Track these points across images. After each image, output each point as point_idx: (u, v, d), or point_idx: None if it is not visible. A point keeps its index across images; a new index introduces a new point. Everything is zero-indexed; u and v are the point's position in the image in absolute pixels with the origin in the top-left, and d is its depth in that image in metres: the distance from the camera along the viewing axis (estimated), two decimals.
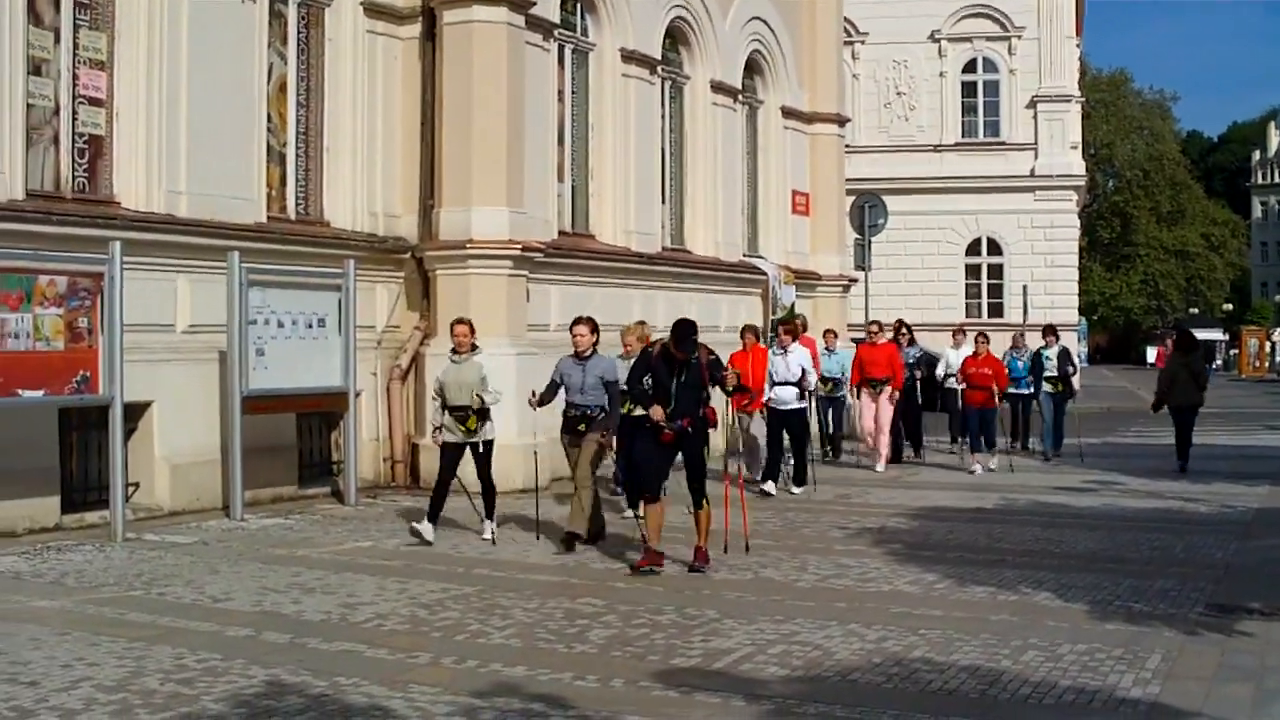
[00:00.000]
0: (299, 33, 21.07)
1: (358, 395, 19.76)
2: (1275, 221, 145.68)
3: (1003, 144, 53.06)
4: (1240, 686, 9.86)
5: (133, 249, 16.84)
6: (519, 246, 21.61)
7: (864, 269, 33.69)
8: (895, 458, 26.20)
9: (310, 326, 18.84)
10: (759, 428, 21.73)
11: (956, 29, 53.30)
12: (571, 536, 15.71)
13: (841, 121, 35.12)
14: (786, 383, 21.19)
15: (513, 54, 21.89)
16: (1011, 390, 26.90)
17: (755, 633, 11.45)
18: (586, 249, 25.20)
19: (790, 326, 22.30)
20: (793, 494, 21.12)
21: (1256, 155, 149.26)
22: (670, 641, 11.14)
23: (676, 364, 14.34)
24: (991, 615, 12.22)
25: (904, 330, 27.52)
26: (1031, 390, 27.65)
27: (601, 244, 25.81)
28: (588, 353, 16.19)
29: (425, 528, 15.90)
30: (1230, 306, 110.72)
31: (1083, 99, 60.49)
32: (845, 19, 39.18)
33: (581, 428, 16.20)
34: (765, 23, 31.50)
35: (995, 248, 53.11)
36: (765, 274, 30.84)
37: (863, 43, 53.04)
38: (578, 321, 16.42)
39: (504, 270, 21.56)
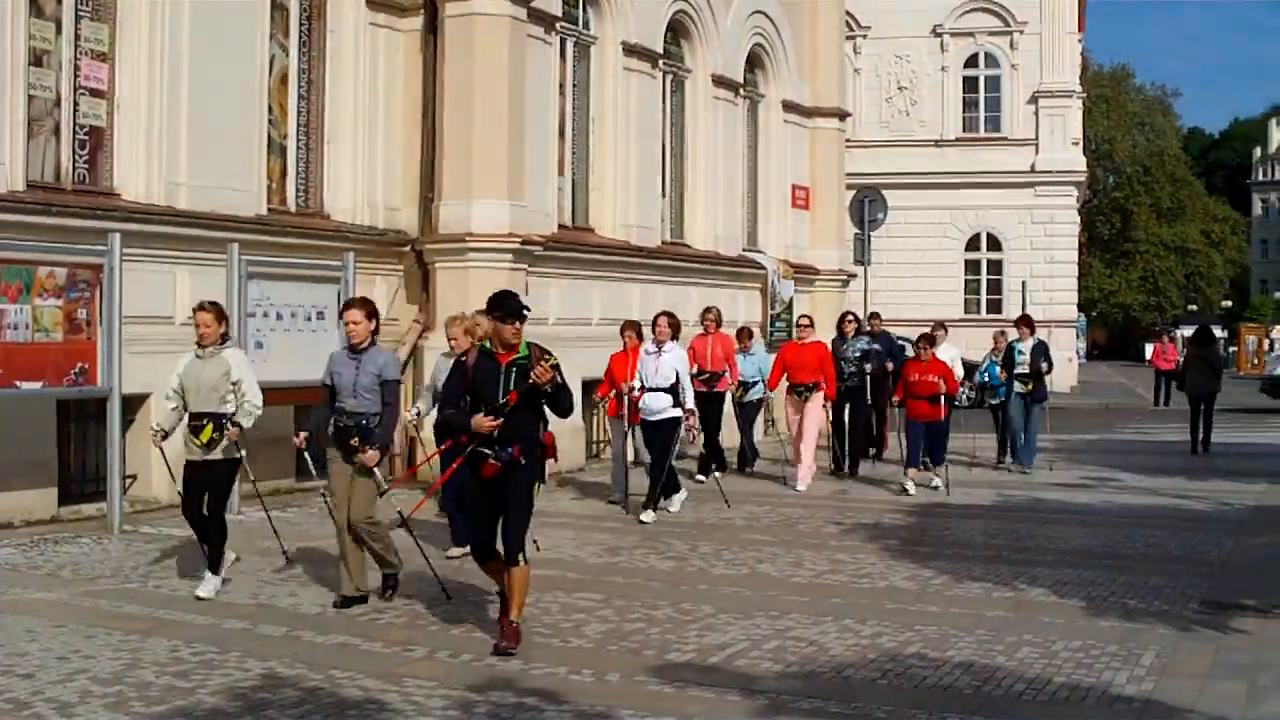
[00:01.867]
0: (301, 25, 21.09)
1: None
2: (1276, 219, 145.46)
3: (1004, 139, 53.07)
4: (1234, 684, 9.89)
5: (132, 240, 16.86)
6: (519, 240, 21.63)
7: (863, 264, 33.65)
8: (853, 469, 23.22)
9: (309, 319, 18.85)
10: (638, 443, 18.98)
11: (959, 24, 53.30)
12: (348, 600, 12.27)
13: (842, 116, 35.12)
14: (658, 388, 18.13)
15: (514, 47, 21.90)
16: (992, 401, 25.13)
17: (750, 628, 11.49)
18: (586, 242, 25.22)
19: (670, 320, 18.57)
20: (643, 523, 17.50)
21: (1257, 152, 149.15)
22: (665, 636, 11.17)
23: (503, 367, 10.74)
24: (987, 611, 12.26)
25: (850, 319, 23.83)
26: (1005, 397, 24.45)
27: (601, 238, 25.83)
28: (364, 344, 12.58)
29: (208, 586, 12.59)
30: (1229, 303, 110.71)
31: (1084, 95, 60.54)
32: (847, 13, 39.18)
33: (354, 442, 12.38)
34: (767, 16, 31.49)
35: (995, 243, 53.14)
36: (764, 268, 30.85)
37: (864, 37, 53.03)
38: (349, 305, 12.99)
39: (504, 263, 21.56)
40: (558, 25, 24.27)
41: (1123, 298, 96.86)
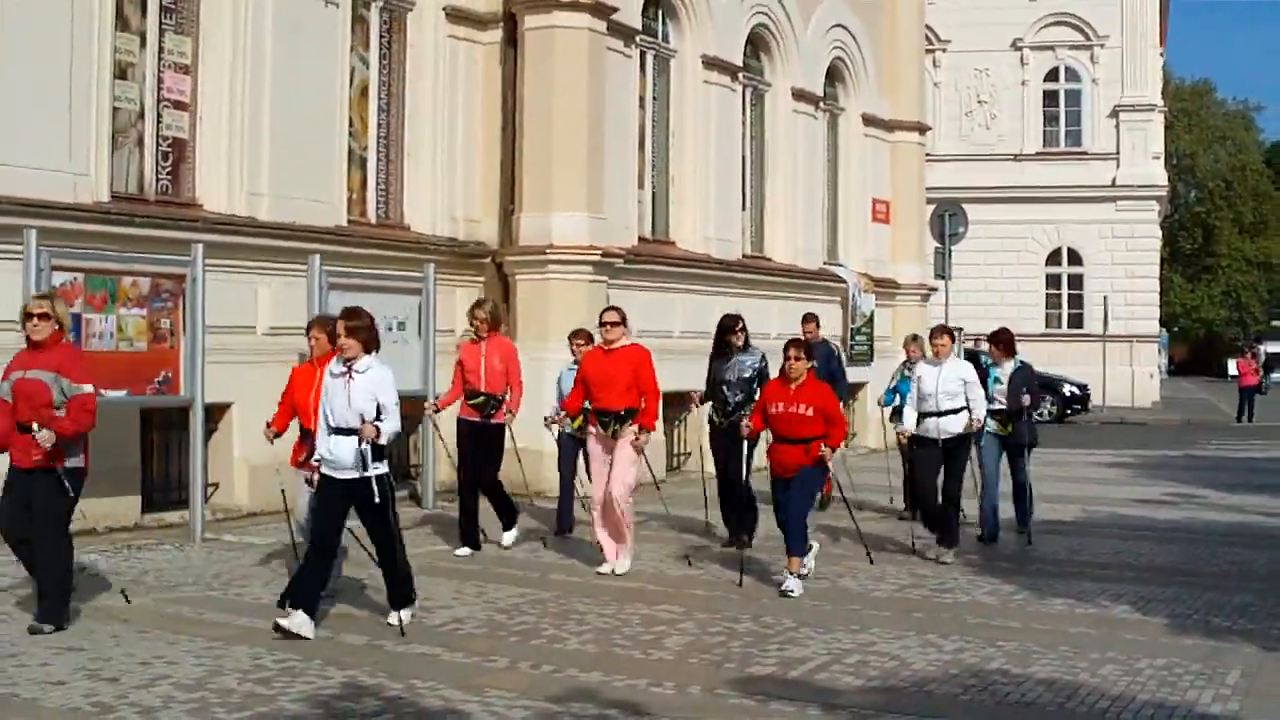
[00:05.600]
0: (381, 37, 21.16)
1: (436, 399, 19.82)
2: None
3: (1084, 153, 52.87)
4: None
5: (214, 251, 16.95)
6: (599, 252, 21.66)
7: (944, 278, 33.55)
8: (737, 540, 16.07)
9: (390, 330, 18.87)
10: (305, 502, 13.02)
11: (1039, 37, 53.12)
12: None
13: (922, 129, 35.04)
14: (347, 429, 11.57)
15: (594, 60, 21.95)
16: (901, 432, 16.91)
17: (831, 642, 11.44)
18: (666, 255, 25.21)
19: (352, 323, 11.86)
20: (394, 626, 11.65)
21: None
22: (747, 649, 11.14)
23: None
24: (1069, 628, 12.17)
25: (739, 328, 16.87)
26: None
27: (681, 250, 25.81)
28: None
29: None
30: None
31: (1165, 109, 60.13)
32: (927, 27, 39.09)
33: None
34: (847, 30, 31.43)
35: (1075, 258, 52.92)
36: (845, 282, 30.77)
37: (944, 51, 52.91)
38: None
39: (584, 276, 21.60)
40: (637, 38, 24.28)
41: (1205, 313, 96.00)
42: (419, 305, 19.24)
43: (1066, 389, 45.00)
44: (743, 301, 26.21)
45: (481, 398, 15.88)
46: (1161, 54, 57.61)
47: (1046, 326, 52.53)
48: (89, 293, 15.19)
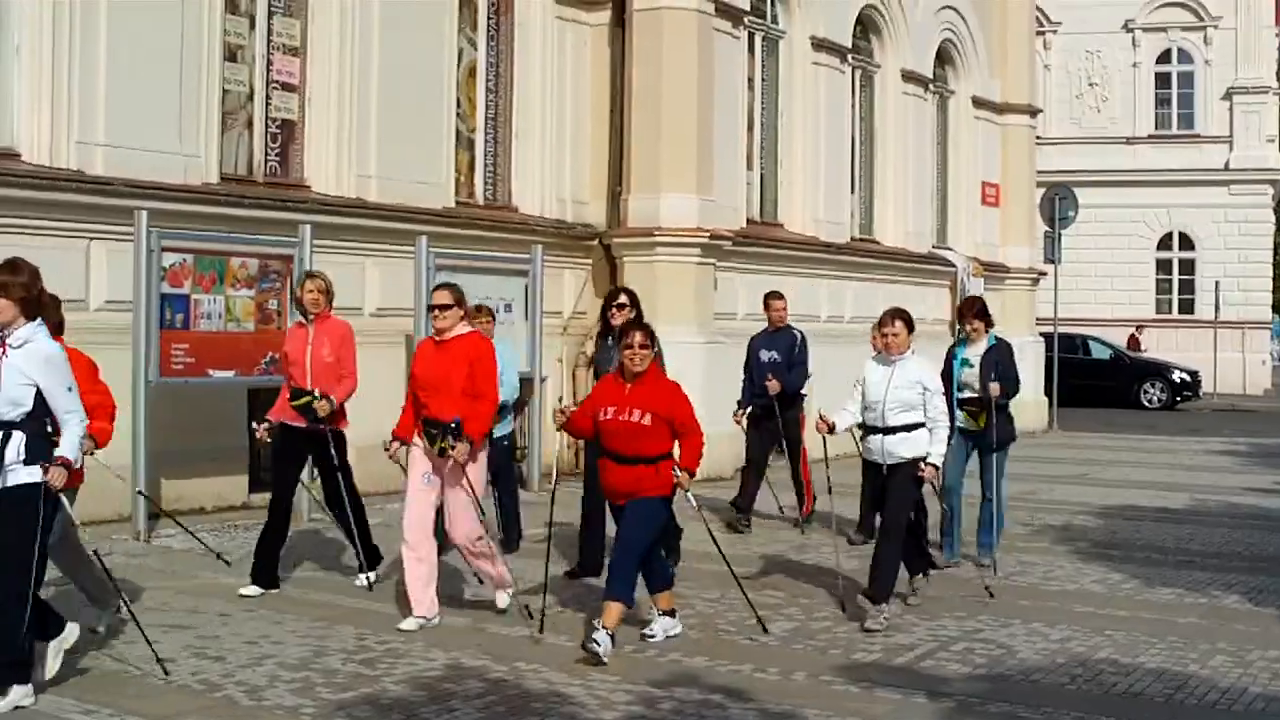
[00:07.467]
0: (489, 18, 21.19)
1: (543, 381, 19.82)
2: None
3: (1197, 136, 52.24)
4: None
5: (322, 232, 17.03)
6: (707, 234, 21.60)
7: (1053, 262, 33.29)
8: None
9: (497, 311, 18.94)
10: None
11: (1151, 19, 52.53)
12: None
13: (1033, 112, 34.75)
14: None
15: (702, 41, 21.88)
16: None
17: (937, 629, 11.37)
18: (774, 238, 25.13)
19: (9, 276, 8.52)
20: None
21: None
22: (852, 636, 11.08)
23: None
24: (1179, 618, 12.03)
25: (621, 303, 13.44)
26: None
27: (790, 233, 25.73)
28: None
29: None
30: None
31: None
32: (1037, 8, 38.82)
33: None
34: (957, 11, 31.21)
35: (1187, 242, 52.30)
36: (954, 266, 30.57)
37: (1055, 32, 52.43)
38: None
39: (692, 258, 21.55)
40: (746, 20, 24.20)
41: None
42: (526, 287, 19.26)
43: (1176, 375, 44.54)
44: (850, 285, 26.20)
45: (306, 397, 12.36)
46: (1277, 34, 56.73)
47: (1157, 312, 52.02)
48: (198, 273, 15.33)
